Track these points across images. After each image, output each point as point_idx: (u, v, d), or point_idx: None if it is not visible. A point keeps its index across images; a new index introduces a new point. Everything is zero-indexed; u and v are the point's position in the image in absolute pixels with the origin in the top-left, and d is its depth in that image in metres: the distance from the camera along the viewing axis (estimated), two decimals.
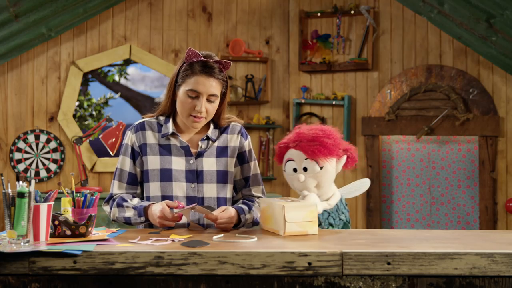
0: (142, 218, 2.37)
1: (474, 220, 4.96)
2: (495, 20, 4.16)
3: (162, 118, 2.53)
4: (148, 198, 2.46)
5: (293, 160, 2.46)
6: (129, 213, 2.40)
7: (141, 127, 2.51)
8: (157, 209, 2.30)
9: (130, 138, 2.51)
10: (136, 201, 2.44)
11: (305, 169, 2.44)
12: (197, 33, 5.36)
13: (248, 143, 2.58)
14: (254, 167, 2.57)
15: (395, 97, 5.14)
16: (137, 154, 2.49)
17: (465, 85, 4.95)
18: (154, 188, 2.45)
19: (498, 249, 1.87)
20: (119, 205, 2.44)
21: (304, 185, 2.45)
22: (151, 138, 2.49)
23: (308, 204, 2.26)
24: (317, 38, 5.34)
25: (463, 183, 5.01)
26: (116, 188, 2.50)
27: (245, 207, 2.44)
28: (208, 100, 2.41)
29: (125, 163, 2.50)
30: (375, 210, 5.10)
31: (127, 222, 2.43)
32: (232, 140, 2.54)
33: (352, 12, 5.23)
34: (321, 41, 5.34)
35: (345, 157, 2.47)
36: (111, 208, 2.47)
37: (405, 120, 5.08)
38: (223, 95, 2.48)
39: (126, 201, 2.44)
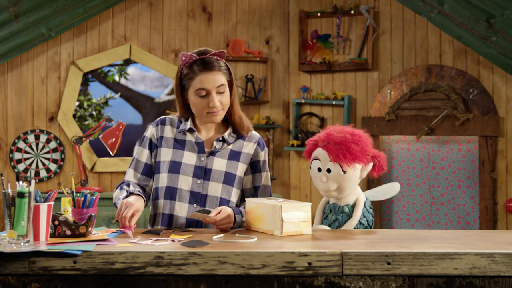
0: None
1: (474, 220, 4.96)
2: (495, 20, 4.16)
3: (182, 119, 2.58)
4: (156, 189, 2.49)
5: (319, 160, 2.46)
6: (122, 194, 2.42)
7: (162, 122, 2.57)
8: (129, 204, 2.29)
9: (150, 131, 2.56)
10: (137, 189, 2.46)
11: (329, 170, 2.43)
12: (197, 33, 5.37)
13: (264, 154, 2.58)
14: (266, 178, 2.57)
15: (395, 97, 5.14)
16: (154, 146, 2.54)
17: (465, 85, 4.96)
18: (162, 178, 2.48)
19: (498, 249, 1.87)
20: (121, 188, 2.47)
21: (326, 186, 2.44)
22: (168, 132, 2.54)
23: (303, 204, 2.26)
24: (317, 38, 5.34)
25: (463, 183, 5.01)
26: (130, 176, 2.53)
27: (242, 209, 2.45)
28: (218, 93, 2.44)
29: (142, 154, 2.54)
30: (375, 210, 5.10)
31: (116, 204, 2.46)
32: (248, 147, 2.55)
33: (352, 12, 5.23)
34: (321, 41, 5.34)
35: (371, 164, 2.45)
36: (115, 191, 2.51)
37: (405, 120, 5.08)
38: (230, 82, 2.50)
39: (128, 186, 2.47)
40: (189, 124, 2.52)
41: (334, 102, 5.23)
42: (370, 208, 2.51)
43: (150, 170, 2.53)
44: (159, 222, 2.47)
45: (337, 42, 5.30)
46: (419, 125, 5.03)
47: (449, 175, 5.05)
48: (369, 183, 5.04)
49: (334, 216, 2.49)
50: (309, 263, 1.82)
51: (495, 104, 4.89)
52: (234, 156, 2.51)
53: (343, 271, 1.82)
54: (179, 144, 2.51)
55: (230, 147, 2.52)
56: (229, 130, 2.54)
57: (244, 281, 1.83)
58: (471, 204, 4.98)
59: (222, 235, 2.17)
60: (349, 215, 2.45)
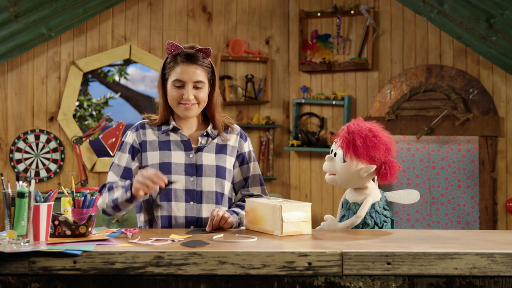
0: (128, 193, 2.31)
1: (474, 220, 4.96)
2: (495, 20, 4.16)
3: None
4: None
5: (335, 143, 2.53)
6: (117, 193, 2.37)
7: (141, 126, 2.55)
8: (148, 171, 2.27)
9: (130, 136, 2.53)
10: (127, 182, 2.40)
11: (335, 154, 2.50)
12: (197, 33, 5.36)
13: (248, 145, 2.61)
14: (254, 167, 2.59)
15: (395, 97, 5.14)
16: (137, 151, 2.51)
17: (465, 85, 4.96)
18: None
19: (498, 249, 1.87)
20: (110, 189, 2.41)
21: (326, 166, 2.52)
22: (151, 135, 2.52)
23: (303, 204, 2.26)
24: (317, 38, 5.34)
25: (463, 183, 5.01)
26: (110, 179, 2.49)
27: (236, 209, 2.47)
28: (195, 87, 2.44)
29: (122, 158, 2.50)
30: None
31: (115, 204, 2.37)
32: (232, 139, 2.57)
33: (352, 12, 5.23)
34: (321, 41, 5.34)
35: (373, 167, 2.45)
36: (101, 196, 2.43)
37: (405, 120, 5.08)
38: (212, 83, 2.51)
39: (117, 183, 2.42)
40: (172, 123, 2.51)
41: (334, 102, 5.23)
42: (384, 209, 2.50)
43: (130, 173, 2.48)
44: (158, 226, 2.46)
45: (337, 42, 5.30)
46: (419, 125, 5.03)
47: (449, 175, 5.05)
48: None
49: (343, 211, 2.52)
50: (309, 263, 1.82)
51: (495, 104, 4.89)
52: (221, 149, 2.53)
53: (343, 271, 1.82)
54: (164, 144, 2.49)
55: (215, 141, 2.54)
56: (210, 126, 2.55)
57: (244, 281, 1.83)
58: (471, 204, 4.98)
59: (222, 235, 2.17)
60: (354, 213, 2.47)
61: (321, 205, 5.24)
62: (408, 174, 5.13)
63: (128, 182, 2.38)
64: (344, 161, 2.45)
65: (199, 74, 2.44)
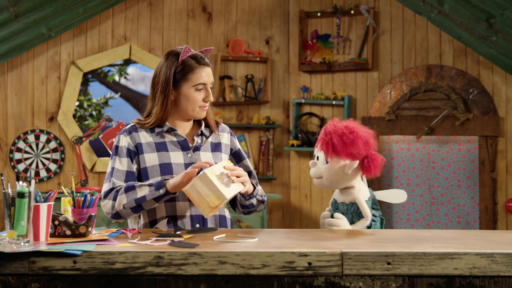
0: (161, 190, 2.30)
1: (474, 220, 4.96)
2: (495, 20, 4.16)
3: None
4: None
5: (317, 148, 2.56)
6: (143, 192, 2.33)
7: (133, 129, 2.52)
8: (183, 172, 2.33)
9: (124, 140, 2.49)
10: (147, 182, 2.39)
11: (318, 158, 2.54)
12: (197, 33, 5.37)
13: (238, 142, 2.69)
14: (248, 163, 2.65)
15: (395, 97, 5.14)
16: (134, 153, 2.48)
17: (465, 85, 4.96)
18: None
19: (498, 249, 1.87)
20: (128, 190, 2.36)
21: (312, 171, 2.55)
22: (145, 137, 2.50)
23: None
24: (317, 38, 5.34)
25: (463, 183, 5.01)
26: (114, 183, 2.43)
27: (254, 181, 2.55)
28: (210, 88, 2.52)
29: (122, 163, 2.46)
30: None
31: (138, 204, 2.34)
32: (224, 138, 2.61)
33: (352, 12, 5.23)
34: (321, 41, 5.34)
35: (356, 162, 2.45)
36: (115, 199, 2.38)
37: (405, 120, 5.08)
38: None
39: (136, 184, 2.37)
40: (167, 125, 2.51)
41: (334, 102, 5.23)
42: (373, 208, 2.51)
43: (133, 177, 2.45)
44: (163, 226, 2.46)
45: (337, 42, 5.30)
46: (419, 125, 5.03)
47: (449, 175, 5.05)
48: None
49: (332, 211, 2.53)
50: (309, 263, 1.82)
51: (495, 104, 4.89)
52: (216, 147, 2.57)
53: (343, 271, 1.82)
54: (161, 146, 2.48)
55: (209, 140, 2.57)
56: (203, 125, 2.58)
57: (244, 281, 1.83)
58: (471, 204, 4.98)
59: (223, 235, 2.17)
60: (342, 213, 2.48)
61: (321, 205, 5.24)
62: (408, 174, 5.13)
63: (157, 179, 2.38)
64: (327, 162, 2.47)
65: (212, 74, 2.52)
